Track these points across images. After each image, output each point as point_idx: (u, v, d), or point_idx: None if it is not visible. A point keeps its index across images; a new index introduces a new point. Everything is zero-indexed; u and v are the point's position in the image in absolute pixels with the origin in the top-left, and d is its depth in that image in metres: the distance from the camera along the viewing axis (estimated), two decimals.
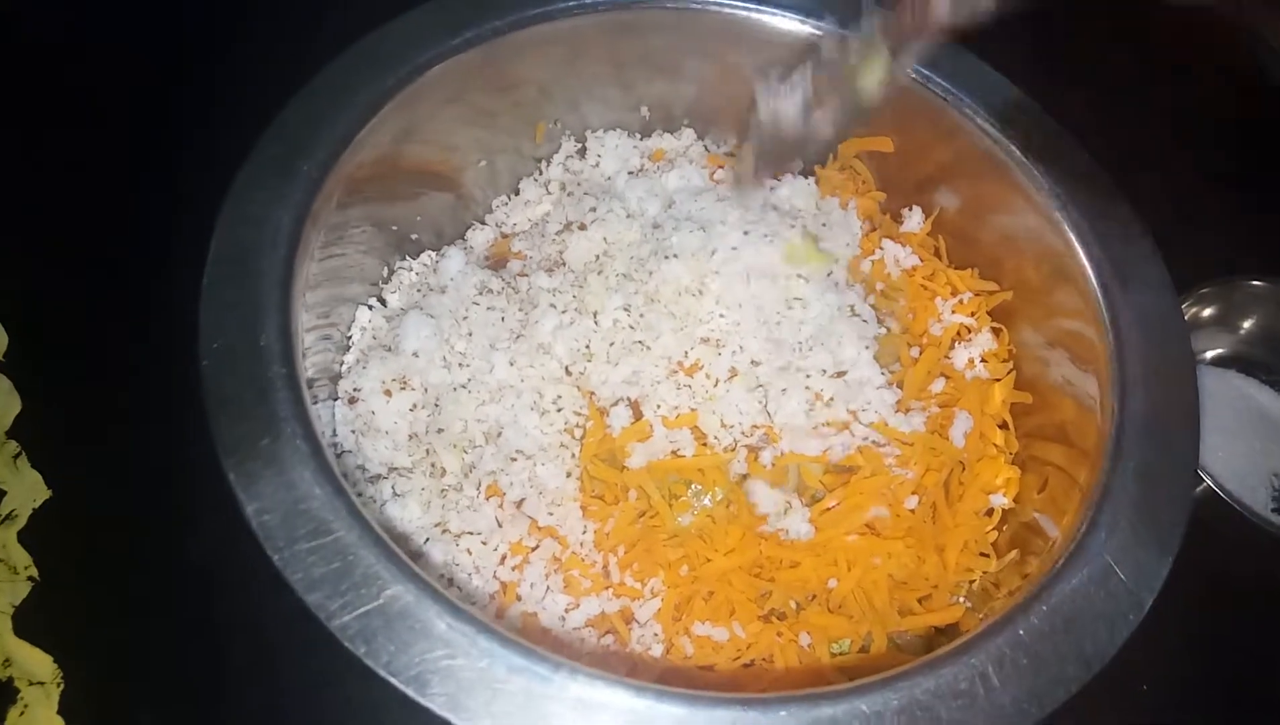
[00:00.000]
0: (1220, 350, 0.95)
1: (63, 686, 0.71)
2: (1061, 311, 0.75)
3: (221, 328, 0.61)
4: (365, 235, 0.78)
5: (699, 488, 0.71)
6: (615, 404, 0.72)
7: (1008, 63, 0.81)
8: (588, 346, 0.73)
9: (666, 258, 0.73)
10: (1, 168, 0.92)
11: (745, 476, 0.72)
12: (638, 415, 0.72)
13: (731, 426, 0.72)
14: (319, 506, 0.56)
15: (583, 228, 0.77)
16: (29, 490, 0.77)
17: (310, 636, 0.53)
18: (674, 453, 0.72)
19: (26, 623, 0.73)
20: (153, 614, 0.74)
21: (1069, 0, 1.07)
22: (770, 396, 0.72)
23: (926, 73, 0.79)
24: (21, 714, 0.69)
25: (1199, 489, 0.80)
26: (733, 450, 0.72)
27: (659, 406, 0.71)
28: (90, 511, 0.78)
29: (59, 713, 0.70)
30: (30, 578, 0.74)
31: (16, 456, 0.78)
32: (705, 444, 0.72)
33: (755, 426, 0.72)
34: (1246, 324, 0.94)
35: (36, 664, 0.71)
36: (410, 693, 0.52)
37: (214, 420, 0.58)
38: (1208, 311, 0.93)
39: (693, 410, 0.71)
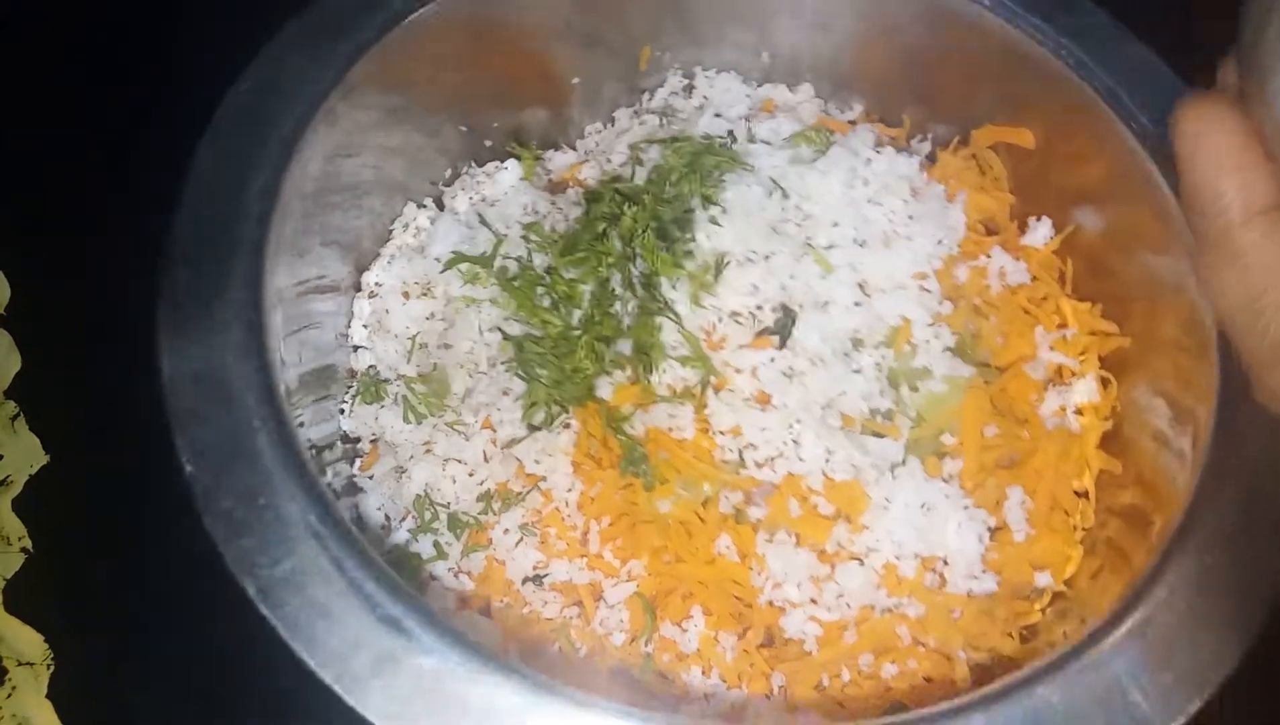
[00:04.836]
0: None
1: (53, 669, 0.66)
2: (1179, 375, 0.61)
3: (208, 177, 0.58)
4: (431, 130, 0.74)
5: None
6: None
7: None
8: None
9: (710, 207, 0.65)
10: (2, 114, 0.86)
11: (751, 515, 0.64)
12: (635, 378, 0.64)
13: (742, 437, 0.63)
14: (233, 376, 0.52)
15: (639, 162, 0.69)
16: (26, 455, 0.72)
17: None
18: (670, 430, 0.64)
19: (17, 597, 0.68)
20: (150, 593, 0.69)
21: None
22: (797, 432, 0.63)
23: (1088, 62, 0.66)
24: (9, 696, 0.66)
25: None
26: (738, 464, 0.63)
27: (664, 372, 0.63)
28: (90, 480, 0.72)
29: (47, 697, 0.66)
30: (24, 549, 0.70)
31: (14, 418, 0.73)
32: (706, 431, 0.63)
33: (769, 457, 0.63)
34: None
35: (26, 643, 0.67)
36: (256, 601, 0.48)
37: (166, 267, 0.55)
38: None
39: (699, 385, 0.63)
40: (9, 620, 0.67)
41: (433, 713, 0.46)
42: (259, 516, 0.49)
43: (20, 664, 0.66)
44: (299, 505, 0.49)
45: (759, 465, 0.62)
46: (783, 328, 0.63)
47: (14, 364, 0.75)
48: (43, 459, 0.72)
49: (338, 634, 0.47)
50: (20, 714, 0.64)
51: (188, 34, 0.87)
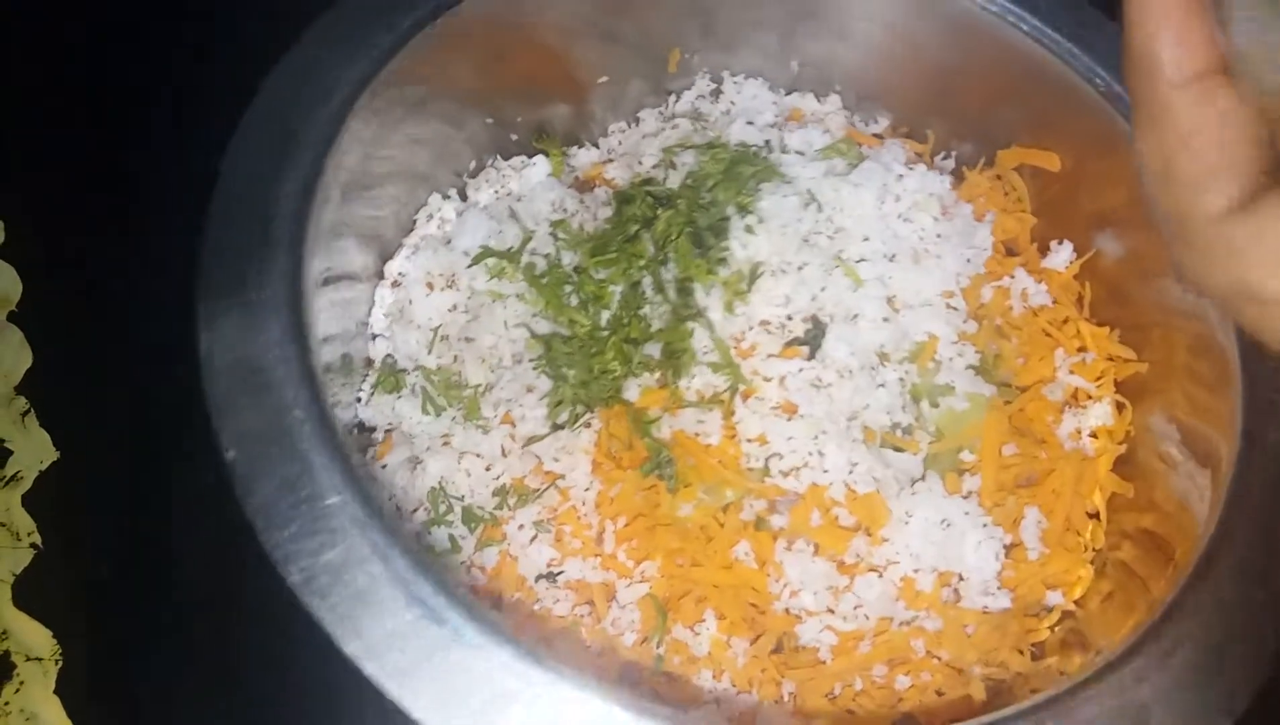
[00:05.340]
0: None
1: (61, 664, 0.66)
2: (1195, 404, 0.62)
3: (244, 170, 0.58)
4: (457, 122, 0.74)
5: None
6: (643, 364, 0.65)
7: None
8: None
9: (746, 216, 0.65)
10: (17, 84, 0.85)
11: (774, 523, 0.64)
12: (663, 382, 0.64)
13: (768, 446, 0.63)
14: (273, 366, 0.52)
15: (672, 166, 0.70)
16: (36, 451, 0.71)
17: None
18: (697, 436, 0.64)
19: (26, 593, 0.68)
20: (158, 589, 0.69)
21: None
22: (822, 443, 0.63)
23: (1117, 88, 0.67)
24: (17, 691, 0.64)
25: None
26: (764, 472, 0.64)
27: (693, 377, 0.64)
28: (99, 477, 0.72)
29: (55, 692, 0.65)
30: (33, 545, 0.69)
31: (25, 414, 0.73)
32: (733, 437, 0.64)
33: (794, 467, 0.63)
34: None
35: (35, 638, 0.66)
36: (298, 592, 0.47)
37: (204, 261, 0.55)
38: None
39: (728, 392, 0.63)
40: (18, 615, 0.66)
41: (475, 707, 0.46)
42: (300, 507, 0.48)
43: (29, 659, 0.65)
44: (342, 497, 0.48)
45: (784, 474, 0.63)
46: (813, 339, 0.63)
47: (25, 360, 0.74)
48: (53, 455, 0.71)
49: (381, 626, 0.47)
50: (28, 709, 0.63)
51: (188, 34, 0.86)
